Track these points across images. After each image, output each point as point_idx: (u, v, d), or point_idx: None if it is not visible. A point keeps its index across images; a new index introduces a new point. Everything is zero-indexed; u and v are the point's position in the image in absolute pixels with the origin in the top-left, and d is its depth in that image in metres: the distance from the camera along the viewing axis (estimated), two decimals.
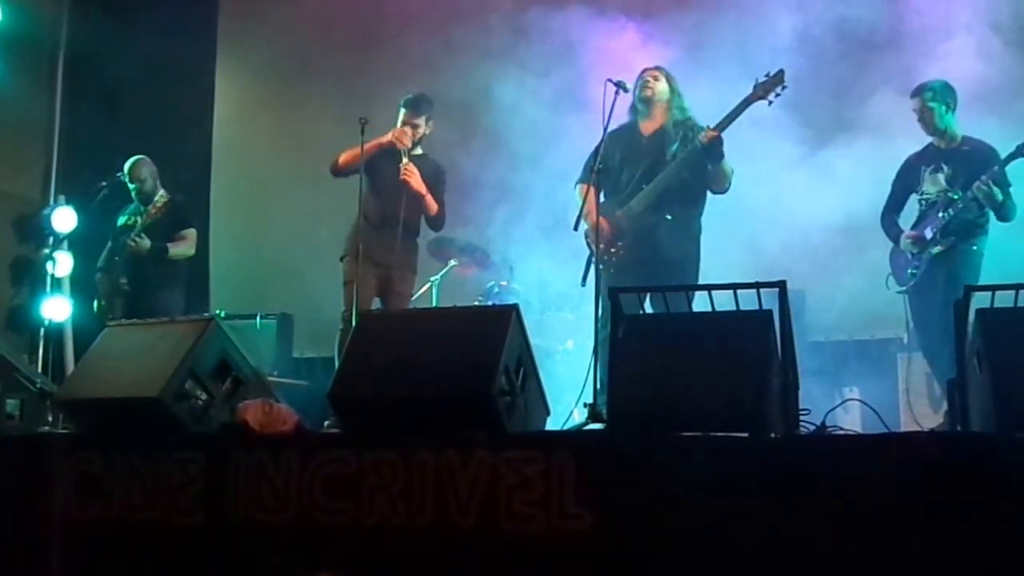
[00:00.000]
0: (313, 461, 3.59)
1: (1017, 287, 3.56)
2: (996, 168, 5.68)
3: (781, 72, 5.49)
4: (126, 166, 7.07)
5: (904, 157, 6.24)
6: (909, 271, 5.97)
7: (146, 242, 6.76)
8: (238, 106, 9.58)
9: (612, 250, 5.67)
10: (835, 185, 6.76)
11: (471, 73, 7.87)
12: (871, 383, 6.63)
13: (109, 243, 7.04)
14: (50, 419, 4.96)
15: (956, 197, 5.78)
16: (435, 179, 6.54)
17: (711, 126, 5.54)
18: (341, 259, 6.43)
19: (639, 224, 5.65)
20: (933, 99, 5.90)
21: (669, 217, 5.63)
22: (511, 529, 3.31)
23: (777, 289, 3.48)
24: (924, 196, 6.01)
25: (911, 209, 6.16)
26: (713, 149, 5.51)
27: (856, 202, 6.72)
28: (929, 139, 6.08)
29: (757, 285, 3.51)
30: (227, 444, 3.77)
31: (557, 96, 7.57)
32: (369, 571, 3.49)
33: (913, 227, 6.02)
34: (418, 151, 6.54)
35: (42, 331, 7.77)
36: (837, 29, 7.08)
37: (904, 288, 6.03)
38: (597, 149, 5.40)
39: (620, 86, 5.41)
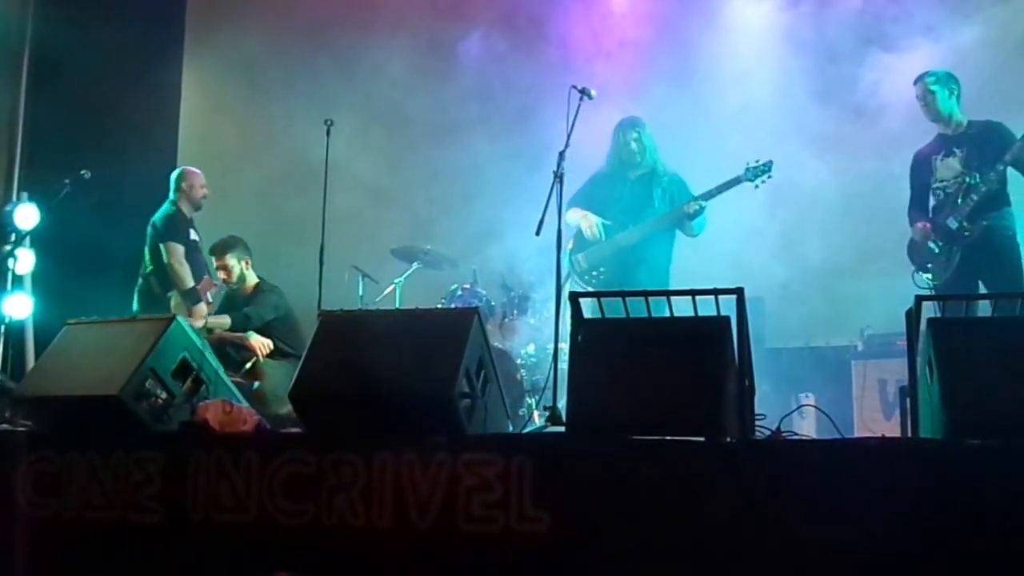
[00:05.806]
0: (273, 461, 3.60)
1: (967, 298, 3.65)
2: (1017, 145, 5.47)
3: (770, 163, 5.98)
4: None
5: (874, 169, 6.32)
6: (939, 265, 5.69)
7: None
8: (205, 105, 9.51)
9: (594, 273, 6.26)
10: (799, 193, 6.85)
11: (440, 77, 7.91)
12: (826, 389, 6.73)
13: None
14: (9, 416, 4.92)
15: (974, 182, 5.60)
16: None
17: (696, 196, 6.09)
18: None
19: (622, 257, 6.19)
20: (936, 83, 5.77)
21: (646, 257, 6.16)
22: (470, 530, 3.35)
23: (735, 296, 3.54)
24: (939, 184, 5.80)
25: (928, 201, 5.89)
26: (695, 216, 6.10)
27: (818, 211, 6.82)
28: (922, 134, 5.98)
29: (715, 291, 3.55)
30: (187, 443, 3.77)
31: (525, 102, 7.62)
32: (328, 572, 3.50)
33: (932, 218, 5.80)
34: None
35: (2, 328, 7.69)
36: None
37: (937, 283, 5.70)
38: (562, 154, 5.44)
39: (585, 93, 5.47)
